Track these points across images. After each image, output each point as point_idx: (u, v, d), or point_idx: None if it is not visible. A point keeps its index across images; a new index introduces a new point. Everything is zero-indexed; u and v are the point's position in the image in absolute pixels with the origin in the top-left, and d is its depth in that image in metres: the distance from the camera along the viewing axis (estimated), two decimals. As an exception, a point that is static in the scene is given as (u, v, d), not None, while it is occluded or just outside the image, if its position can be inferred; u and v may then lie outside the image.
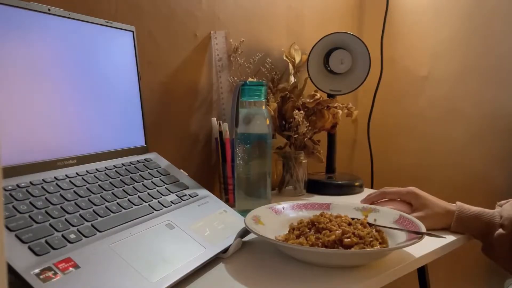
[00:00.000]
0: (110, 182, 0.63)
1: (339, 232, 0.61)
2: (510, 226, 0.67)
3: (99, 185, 0.62)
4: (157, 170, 0.72)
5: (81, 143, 0.65)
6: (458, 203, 0.75)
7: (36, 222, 0.49)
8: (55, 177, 0.59)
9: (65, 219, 0.52)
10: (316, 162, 1.05)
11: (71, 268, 0.46)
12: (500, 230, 0.68)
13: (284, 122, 1.03)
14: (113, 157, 0.70)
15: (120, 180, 0.65)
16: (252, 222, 0.66)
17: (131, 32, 0.77)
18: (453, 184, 1.15)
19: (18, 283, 0.42)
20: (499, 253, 0.70)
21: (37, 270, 0.44)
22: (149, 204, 0.63)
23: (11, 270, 0.42)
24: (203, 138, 0.98)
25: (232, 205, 0.78)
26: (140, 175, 0.69)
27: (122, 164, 0.69)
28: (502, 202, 0.75)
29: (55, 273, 0.44)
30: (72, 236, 0.50)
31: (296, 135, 1.00)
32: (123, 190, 0.63)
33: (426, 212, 0.73)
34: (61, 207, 0.54)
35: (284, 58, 1.09)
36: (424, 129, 1.21)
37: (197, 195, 0.71)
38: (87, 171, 0.63)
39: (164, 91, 0.91)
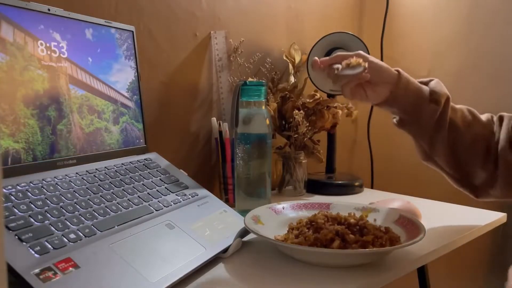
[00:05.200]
0: (110, 182, 0.63)
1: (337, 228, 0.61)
2: (442, 102, 0.73)
3: (99, 185, 0.62)
4: (157, 170, 0.72)
5: (81, 143, 0.65)
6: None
7: (36, 222, 0.49)
8: (54, 177, 0.59)
9: (65, 219, 0.52)
10: (316, 162, 1.05)
11: (71, 268, 0.46)
12: (433, 105, 0.73)
13: (284, 122, 1.03)
14: (113, 157, 0.70)
15: (120, 180, 0.65)
16: (252, 222, 0.66)
17: (131, 32, 0.77)
18: (453, 184, 1.15)
19: (18, 283, 0.42)
20: (426, 127, 0.73)
21: (37, 270, 0.44)
22: (149, 204, 0.63)
23: (11, 270, 0.43)
24: (203, 138, 0.98)
25: (232, 205, 0.78)
26: (140, 175, 0.69)
27: (122, 164, 0.69)
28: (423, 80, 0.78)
29: (55, 273, 0.44)
30: (72, 236, 0.50)
31: (296, 135, 1.00)
32: (123, 190, 0.63)
33: (378, 64, 0.74)
34: (61, 207, 0.54)
35: (284, 58, 1.09)
36: (424, 129, 1.21)
37: (197, 195, 0.71)
38: (87, 171, 0.63)
39: (164, 91, 0.91)
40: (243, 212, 0.71)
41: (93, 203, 0.57)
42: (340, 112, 1.04)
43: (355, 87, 0.74)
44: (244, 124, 0.79)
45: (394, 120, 0.78)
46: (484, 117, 0.77)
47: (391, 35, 1.26)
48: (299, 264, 0.60)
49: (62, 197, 0.56)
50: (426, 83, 0.77)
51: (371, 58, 0.73)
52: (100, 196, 0.60)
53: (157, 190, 0.67)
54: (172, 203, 0.66)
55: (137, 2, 0.85)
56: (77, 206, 0.55)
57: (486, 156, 0.73)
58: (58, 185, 0.57)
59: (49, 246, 0.47)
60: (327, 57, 0.75)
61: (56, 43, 0.63)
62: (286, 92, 1.03)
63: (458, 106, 0.76)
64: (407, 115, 0.75)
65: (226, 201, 0.89)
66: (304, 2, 1.17)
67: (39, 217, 0.50)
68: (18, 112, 0.57)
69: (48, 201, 0.54)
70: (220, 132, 0.91)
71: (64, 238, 0.49)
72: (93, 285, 0.45)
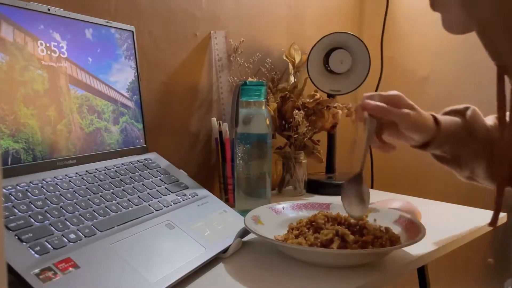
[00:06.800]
0: (109, 182, 0.63)
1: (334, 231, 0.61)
2: (483, 135, 0.68)
3: (98, 185, 0.62)
4: (157, 170, 0.72)
5: (81, 143, 0.65)
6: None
7: (36, 222, 0.49)
8: (54, 177, 0.59)
9: (65, 219, 0.52)
10: (316, 162, 1.04)
11: (71, 268, 0.46)
12: (475, 144, 0.68)
13: (284, 122, 1.03)
14: (113, 157, 0.70)
15: (120, 180, 0.65)
16: (252, 222, 0.66)
17: (131, 32, 0.77)
18: (454, 183, 1.15)
19: (18, 283, 0.42)
20: (467, 162, 0.69)
21: (37, 270, 0.44)
22: (149, 204, 0.63)
23: (11, 270, 0.43)
24: (203, 138, 0.98)
25: (232, 205, 0.78)
26: (140, 175, 0.69)
27: (122, 164, 0.69)
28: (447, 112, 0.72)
29: (55, 273, 0.44)
30: (72, 236, 0.50)
31: (296, 135, 1.00)
32: (123, 190, 0.63)
33: (419, 111, 0.67)
34: (61, 207, 0.54)
35: (284, 58, 1.09)
36: (424, 129, 1.21)
37: (197, 195, 0.71)
38: (86, 171, 0.63)
39: (164, 91, 0.91)
40: (243, 212, 0.71)
41: (93, 203, 0.57)
42: (340, 112, 1.04)
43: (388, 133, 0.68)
44: (244, 124, 0.79)
45: (433, 156, 0.73)
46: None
47: (391, 35, 1.26)
48: (299, 264, 0.60)
49: (62, 197, 0.56)
50: (462, 113, 0.71)
51: (409, 116, 0.66)
52: (100, 196, 0.60)
53: (157, 190, 0.67)
54: (172, 203, 0.66)
55: (137, 2, 0.85)
56: (77, 206, 0.55)
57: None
58: (58, 185, 0.57)
59: (49, 246, 0.47)
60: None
61: (56, 43, 0.63)
62: (286, 92, 1.03)
63: (488, 123, 0.71)
64: (446, 154, 0.71)
65: (226, 201, 0.89)
66: (304, 2, 1.17)
67: (39, 217, 0.50)
68: (18, 112, 0.57)
69: (48, 201, 0.54)
70: (220, 132, 0.91)
71: (64, 238, 0.49)
72: (93, 285, 0.45)
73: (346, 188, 0.67)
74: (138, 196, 0.64)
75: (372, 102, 0.66)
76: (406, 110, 0.66)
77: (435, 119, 0.69)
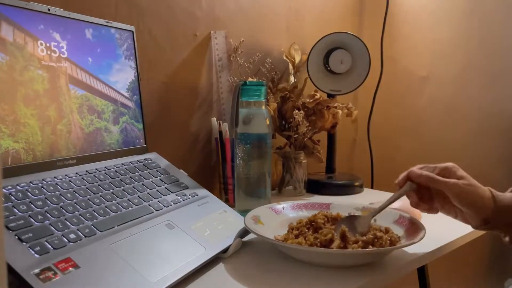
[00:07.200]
0: (109, 182, 0.63)
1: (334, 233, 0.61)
2: None
3: (98, 185, 0.62)
4: (157, 170, 0.72)
5: (81, 143, 0.65)
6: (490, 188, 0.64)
7: (36, 222, 0.49)
8: (54, 177, 0.59)
9: (65, 219, 0.52)
10: (316, 162, 1.04)
11: (71, 268, 0.46)
12: None
13: (284, 122, 1.03)
14: (113, 157, 0.70)
15: (120, 180, 0.65)
16: (252, 222, 0.66)
17: (131, 32, 0.77)
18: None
19: (18, 283, 0.42)
20: None
21: (37, 270, 0.44)
22: (149, 204, 0.63)
23: (11, 270, 0.43)
24: (203, 138, 0.98)
25: (232, 205, 0.78)
26: (140, 175, 0.69)
27: (122, 164, 0.69)
28: None
29: (55, 273, 0.44)
30: (72, 236, 0.50)
31: (296, 135, 1.00)
32: (123, 190, 0.63)
33: (470, 182, 0.62)
34: (61, 207, 0.54)
35: (284, 58, 1.09)
36: (424, 129, 1.21)
37: (197, 195, 0.71)
38: (87, 171, 0.63)
39: (164, 91, 0.91)
40: (243, 212, 0.71)
41: (93, 203, 0.57)
42: (340, 112, 1.04)
43: (443, 202, 0.64)
44: (244, 124, 0.79)
45: (507, 239, 0.65)
46: None
47: (391, 35, 1.26)
48: (299, 264, 0.60)
49: (62, 197, 0.56)
50: None
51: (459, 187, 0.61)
52: (100, 196, 0.60)
53: (157, 190, 0.67)
54: (172, 203, 0.66)
55: (137, 2, 0.85)
56: (77, 206, 0.55)
57: None
58: (58, 185, 0.57)
59: (49, 246, 0.47)
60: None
61: (56, 43, 0.63)
62: (286, 92, 1.03)
63: None
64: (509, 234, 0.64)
65: (226, 201, 0.89)
66: (304, 2, 1.17)
67: (39, 217, 0.50)
68: (18, 112, 0.57)
69: (48, 201, 0.54)
70: (220, 132, 0.91)
71: (64, 238, 0.49)
72: (93, 285, 0.45)
73: (344, 220, 0.67)
74: (138, 196, 0.64)
75: (418, 170, 0.64)
76: (454, 180, 0.61)
77: (493, 194, 0.63)
